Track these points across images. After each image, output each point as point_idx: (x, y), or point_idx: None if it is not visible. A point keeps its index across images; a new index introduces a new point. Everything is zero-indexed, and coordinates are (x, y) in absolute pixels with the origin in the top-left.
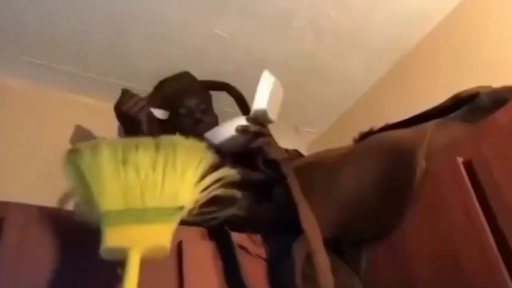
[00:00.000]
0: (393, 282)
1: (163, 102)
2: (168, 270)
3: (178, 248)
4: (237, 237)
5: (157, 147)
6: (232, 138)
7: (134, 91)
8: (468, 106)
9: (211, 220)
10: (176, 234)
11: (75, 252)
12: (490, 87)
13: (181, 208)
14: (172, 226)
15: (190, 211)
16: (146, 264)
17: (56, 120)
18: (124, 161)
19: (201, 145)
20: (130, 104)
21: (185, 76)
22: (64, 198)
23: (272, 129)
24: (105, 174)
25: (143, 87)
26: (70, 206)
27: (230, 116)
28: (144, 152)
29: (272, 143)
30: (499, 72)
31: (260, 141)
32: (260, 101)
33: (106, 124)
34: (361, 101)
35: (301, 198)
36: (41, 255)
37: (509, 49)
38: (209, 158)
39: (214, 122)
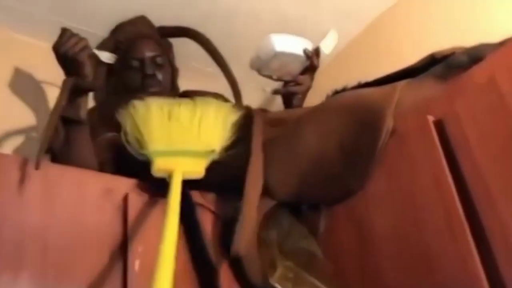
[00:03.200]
0: (351, 247)
1: (115, 48)
2: (112, 224)
3: (124, 202)
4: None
5: (194, 105)
6: (291, 56)
7: (86, 35)
8: (443, 63)
9: None
10: (121, 185)
11: None
12: (465, 47)
13: (212, 151)
14: (206, 161)
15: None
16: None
17: None
18: (169, 114)
19: (228, 105)
20: (69, 44)
21: (141, 22)
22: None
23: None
24: (153, 121)
25: (97, 31)
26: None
27: (198, 73)
28: (185, 107)
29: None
30: (474, 29)
31: (297, 89)
32: (327, 46)
33: (50, 65)
34: (332, 63)
35: (258, 151)
36: None
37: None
38: (233, 115)
39: (168, 78)
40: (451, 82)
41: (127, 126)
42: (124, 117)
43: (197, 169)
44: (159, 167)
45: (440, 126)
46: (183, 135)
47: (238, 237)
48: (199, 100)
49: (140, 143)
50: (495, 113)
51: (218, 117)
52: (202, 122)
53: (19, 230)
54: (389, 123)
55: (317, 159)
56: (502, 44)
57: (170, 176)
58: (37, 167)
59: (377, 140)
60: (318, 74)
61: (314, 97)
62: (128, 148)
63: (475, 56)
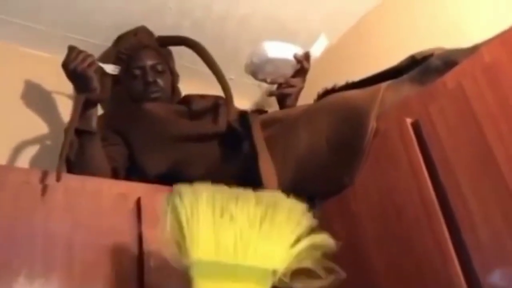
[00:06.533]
0: (342, 238)
1: (117, 59)
2: (128, 229)
3: (137, 205)
4: None
5: (257, 202)
6: (283, 61)
7: (90, 46)
8: (420, 67)
9: None
10: (133, 190)
11: None
12: (444, 48)
13: (274, 271)
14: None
15: (282, 276)
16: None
17: (6, 74)
18: (222, 211)
19: (302, 207)
20: (78, 61)
21: (142, 32)
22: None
23: (237, 86)
24: (200, 220)
25: (100, 42)
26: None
27: (192, 73)
28: (243, 205)
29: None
30: (461, 30)
31: (290, 90)
32: (316, 50)
33: (59, 78)
34: (323, 60)
35: (263, 147)
36: None
37: (470, 6)
38: (308, 220)
39: (169, 84)
40: (427, 86)
41: (168, 221)
42: (166, 208)
43: None
44: None
45: (416, 126)
46: (236, 243)
47: None
48: (264, 195)
49: (181, 247)
50: (463, 116)
51: (287, 223)
52: (264, 228)
53: (46, 238)
54: (373, 123)
55: (309, 155)
56: (472, 50)
57: None
58: (58, 179)
59: (363, 138)
60: (309, 73)
61: (305, 94)
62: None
63: (448, 60)
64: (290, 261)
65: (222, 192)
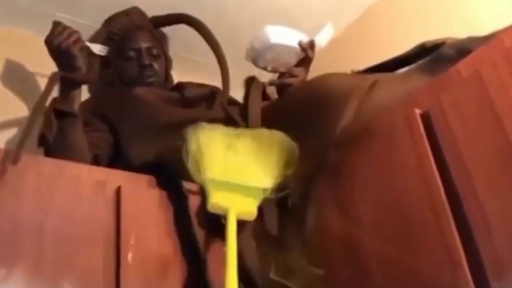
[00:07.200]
0: (340, 241)
1: (107, 39)
2: (106, 216)
3: (117, 194)
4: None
5: (253, 138)
6: (286, 48)
7: (79, 26)
8: (431, 56)
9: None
10: (113, 178)
11: None
12: (456, 38)
13: (265, 189)
14: (258, 199)
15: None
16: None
17: None
18: (228, 145)
19: (291, 144)
20: (62, 37)
21: (135, 12)
22: None
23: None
24: (213, 150)
25: (89, 23)
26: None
27: (186, 61)
28: (243, 140)
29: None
30: (473, 19)
31: (292, 80)
32: (322, 39)
33: (43, 59)
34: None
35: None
36: None
37: None
38: (293, 152)
39: (163, 69)
40: (438, 75)
41: (191, 145)
42: (190, 135)
43: (249, 208)
44: (216, 202)
45: (426, 118)
46: (239, 168)
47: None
48: (259, 133)
49: (199, 167)
50: (479, 107)
51: (276, 153)
52: (259, 157)
53: (13, 224)
54: (349, 114)
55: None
56: (489, 38)
57: (224, 212)
58: (14, 161)
59: (334, 128)
60: (313, 62)
61: None
62: (188, 167)
63: (462, 49)
64: (278, 180)
65: (229, 131)
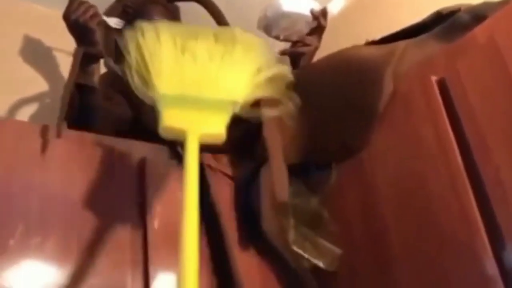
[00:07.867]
0: (358, 206)
1: (122, 12)
2: (129, 188)
3: (141, 165)
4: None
5: (216, 38)
6: (298, 16)
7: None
8: (447, 23)
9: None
10: (138, 150)
11: None
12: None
13: (234, 102)
14: (226, 117)
15: (242, 107)
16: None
17: (6, 29)
18: (183, 48)
19: (261, 41)
20: (79, 12)
21: None
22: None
23: None
24: (163, 57)
25: None
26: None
27: None
28: (203, 42)
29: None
30: None
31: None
32: (335, 7)
33: (60, 33)
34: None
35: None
36: None
37: None
38: (267, 53)
39: None
40: (454, 42)
41: (132, 56)
42: (128, 43)
43: (216, 129)
44: (169, 123)
45: (442, 84)
46: (199, 78)
47: (279, 185)
48: (223, 31)
49: (146, 81)
50: (494, 72)
51: (246, 57)
52: (224, 63)
53: (44, 197)
54: (388, 85)
55: (320, 119)
56: (504, 3)
57: (183, 138)
58: (58, 135)
59: (378, 100)
60: (325, 32)
61: (320, 55)
62: (132, 87)
63: (478, 15)
64: (251, 92)
65: (182, 30)
